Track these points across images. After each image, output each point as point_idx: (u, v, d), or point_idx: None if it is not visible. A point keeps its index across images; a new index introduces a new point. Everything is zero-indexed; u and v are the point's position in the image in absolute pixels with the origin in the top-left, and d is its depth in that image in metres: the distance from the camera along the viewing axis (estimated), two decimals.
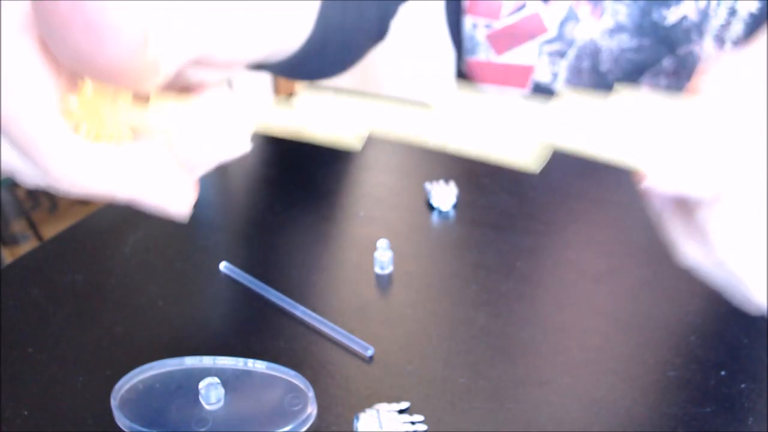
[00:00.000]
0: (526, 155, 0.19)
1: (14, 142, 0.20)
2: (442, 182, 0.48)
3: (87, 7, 0.17)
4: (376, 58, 0.68)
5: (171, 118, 0.21)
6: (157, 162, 0.21)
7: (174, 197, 0.21)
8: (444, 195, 0.46)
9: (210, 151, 0.22)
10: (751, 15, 0.58)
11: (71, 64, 0.19)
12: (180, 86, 0.24)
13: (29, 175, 0.21)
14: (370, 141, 0.56)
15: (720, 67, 0.20)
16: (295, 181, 0.50)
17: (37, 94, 0.19)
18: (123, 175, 0.20)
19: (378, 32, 0.62)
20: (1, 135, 0.20)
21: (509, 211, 0.46)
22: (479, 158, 0.20)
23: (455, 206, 0.46)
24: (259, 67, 0.52)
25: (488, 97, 0.20)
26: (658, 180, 0.20)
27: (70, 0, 0.17)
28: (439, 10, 0.74)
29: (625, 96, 0.19)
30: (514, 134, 0.20)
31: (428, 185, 0.47)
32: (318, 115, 0.20)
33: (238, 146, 0.22)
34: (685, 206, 0.23)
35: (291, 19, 0.24)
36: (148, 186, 0.21)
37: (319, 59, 0.54)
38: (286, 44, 0.31)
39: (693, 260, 0.23)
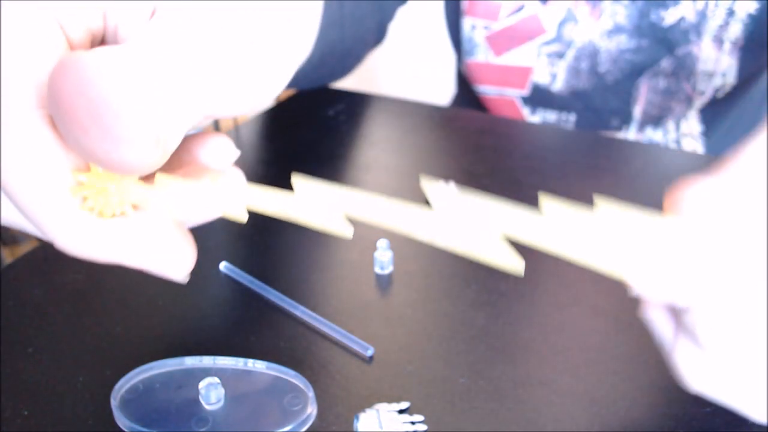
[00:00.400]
0: (511, 259, 0.21)
1: (23, 213, 0.20)
2: (442, 182, 0.48)
3: (105, 118, 0.18)
4: (376, 58, 0.68)
5: (173, 194, 0.22)
6: (159, 233, 0.22)
7: (175, 265, 0.22)
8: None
9: (203, 216, 0.23)
10: (750, 16, 0.58)
11: (82, 156, 0.20)
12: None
13: (37, 233, 0.22)
14: (372, 139, 0.56)
15: (699, 189, 0.21)
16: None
17: (47, 170, 0.20)
18: (126, 247, 0.21)
19: (376, 37, 0.62)
20: (10, 201, 0.21)
21: None
22: (467, 257, 0.21)
23: None
24: None
25: (478, 200, 0.21)
26: (644, 289, 0.21)
27: (87, 107, 0.17)
28: (439, 11, 0.74)
29: (607, 209, 0.21)
30: (499, 238, 0.21)
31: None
32: (310, 203, 0.22)
33: (231, 214, 0.23)
34: (676, 313, 0.24)
35: (295, 57, 0.25)
36: (151, 256, 0.22)
37: (318, 72, 0.54)
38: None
39: (691, 376, 0.24)
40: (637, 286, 0.21)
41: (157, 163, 0.19)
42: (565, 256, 0.21)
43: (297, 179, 0.22)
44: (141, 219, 0.21)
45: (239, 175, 0.24)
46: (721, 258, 0.20)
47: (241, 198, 0.23)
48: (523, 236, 0.21)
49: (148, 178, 0.22)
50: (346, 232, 0.21)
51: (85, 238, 0.20)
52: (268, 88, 0.23)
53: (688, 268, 0.20)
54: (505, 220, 0.21)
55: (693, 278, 0.20)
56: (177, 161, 0.23)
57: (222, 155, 0.23)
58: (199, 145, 0.23)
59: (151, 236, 0.22)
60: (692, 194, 0.21)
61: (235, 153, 0.24)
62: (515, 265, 0.20)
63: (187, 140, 0.23)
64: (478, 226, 0.21)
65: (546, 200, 0.21)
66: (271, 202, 0.22)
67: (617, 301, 0.37)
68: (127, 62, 0.18)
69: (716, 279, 0.20)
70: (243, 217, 0.22)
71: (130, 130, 0.18)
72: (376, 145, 0.55)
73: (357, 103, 0.62)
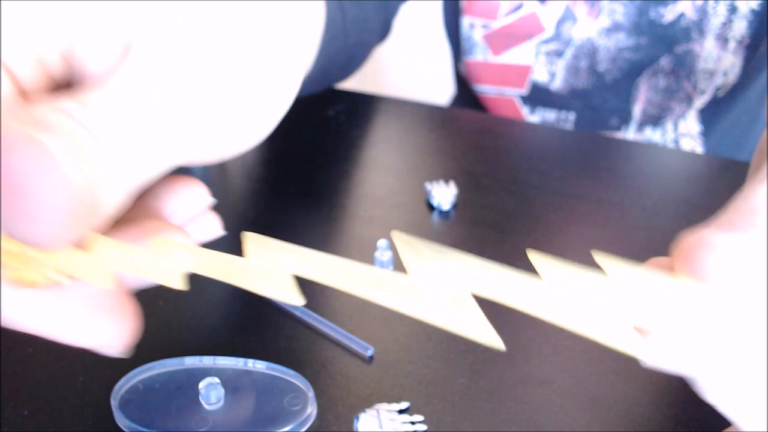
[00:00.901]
0: (487, 332, 0.18)
1: None
2: (442, 182, 0.48)
3: (16, 194, 0.15)
4: (376, 59, 0.68)
5: (112, 261, 0.19)
6: (90, 306, 0.19)
7: (106, 341, 0.20)
8: (444, 195, 0.46)
9: (144, 283, 0.21)
10: (753, 12, 0.57)
11: None
12: None
13: None
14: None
15: (718, 249, 0.18)
16: (295, 181, 0.50)
17: None
18: (50, 319, 0.19)
19: (380, 35, 0.62)
20: None
21: (509, 211, 0.46)
22: (443, 329, 0.19)
23: (455, 206, 0.46)
24: None
25: (461, 260, 0.18)
26: (654, 360, 0.18)
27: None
28: (439, 11, 0.74)
29: (611, 268, 0.18)
30: (477, 311, 0.18)
31: (428, 185, 0.47)
32: (261, 267, 0.19)
33: (170, 283, 0.20)
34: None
35: (289, 94, 0.22)
36: (79, 330, 0.19)
37: (319, 83, 0.54)
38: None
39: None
40: (649, 360, 0.18)
41: (77, 239, 0.17)
42: (561, 325, 0.18)
43: (248, 240, 0.19)
44: (71, 289, 0.19)
45: (215, 223, 0.22)
46: (746, 326, 0.17)
47: (185, 264, 0.20)
48: (511, 302, 0.18)
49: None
50: (297, 301, 0.19)
51: (5, 308, 0.19)
52: (256, 131, 0.21)
53: (704, 338, 0.17)
54: (489, 283, 0.18)
55: (710, 350, 0.17)
56: (140, 209, 0.21)
57: (193, 206, 0.21)
58: (167, 192, 0.21)
59: (81, 308, 0.19)
60: (710, 254, 0.18)
61: (210, 201, 0.21)
62: (493, 341, 0.18)
63: (155, 186, 0.21)
64: (455, 296, 0.18)
65: (537, 257, 0.18)
66: (219, 268, 0.20)
67: None
68: (51, 135, 0.15)
69: (737, 349, 0.17)
70: (183, 286, 0.20)
71: (42, 211, 0.16)
72: (376, 145, 0.55)
73: (357, 103, 0.62)
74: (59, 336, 0.19)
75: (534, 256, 0.18)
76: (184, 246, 0.20)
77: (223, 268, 0.19)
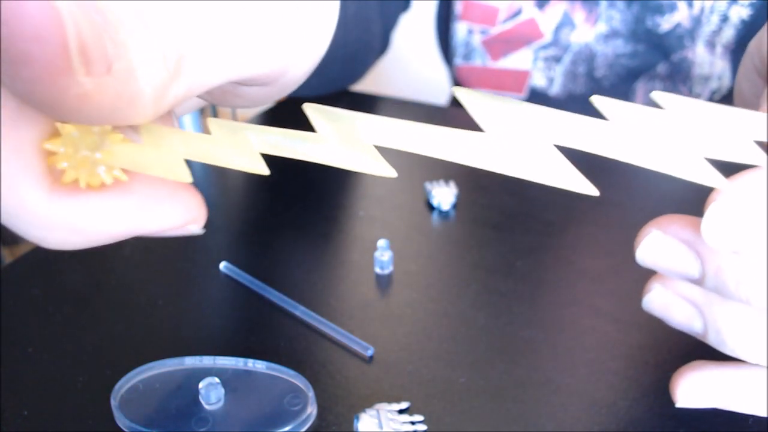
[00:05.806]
0: (577, 179, 0.17)
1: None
2: (442, 182, 0.48)
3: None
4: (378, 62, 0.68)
5: (174, 150, 0.18)
6: (163, 191, 0.18)
7: (189, 218, 0.19)
8: (444, 195, 0.46)
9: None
10: (743, 21, 0.58)
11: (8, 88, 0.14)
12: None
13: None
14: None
15: None
16: (295, 181, 0.50)
17: (6, 145, 0.15)
18: (133, 213, 0.18)
19: (382, 45, 0.62)
20: None
21: (509, 211, 0.46)
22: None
23: (455, 206, 0.46)
24: None
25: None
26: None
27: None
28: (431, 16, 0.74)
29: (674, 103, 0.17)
30: (563, 157, 0.17)
31: (428, 185, 0.47)
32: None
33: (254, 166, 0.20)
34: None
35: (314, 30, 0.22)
36: (163, 216, 0.18)
37: (321, 77, 0.54)
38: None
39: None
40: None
41: (128, 116, 0.14)
42: (637, 163, 0.17)
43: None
44: (139, 182, 0.18)
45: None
46: None
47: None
48: (587, 147, 0.17)
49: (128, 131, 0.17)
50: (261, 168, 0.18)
51: (80, 215, 0.16)
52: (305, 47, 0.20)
53: None
54: (564, 131, 0.17)
55: None
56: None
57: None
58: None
59: (157, 195, 0.18)
60: None
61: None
62: (586, 187, 0.17)
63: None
64: (538, 148, 0.17)
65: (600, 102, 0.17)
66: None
67: (617, 301, 0.37)
68: None
69: None
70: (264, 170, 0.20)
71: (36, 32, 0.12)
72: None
73: (357, 103, 0.62)
74: (141, 229, 0.18)
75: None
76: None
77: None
